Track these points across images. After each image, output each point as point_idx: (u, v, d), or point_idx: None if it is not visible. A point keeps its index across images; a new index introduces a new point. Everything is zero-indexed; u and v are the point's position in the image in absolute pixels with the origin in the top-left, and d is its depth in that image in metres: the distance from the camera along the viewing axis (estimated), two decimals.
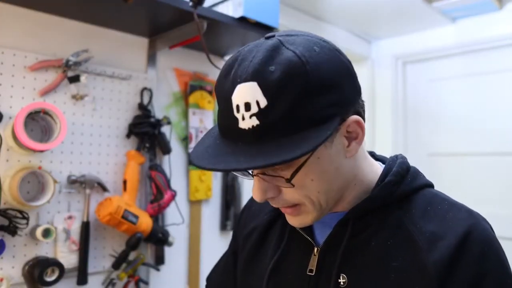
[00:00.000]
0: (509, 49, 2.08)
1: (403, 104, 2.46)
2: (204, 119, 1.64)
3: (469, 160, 2.20)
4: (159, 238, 1.39)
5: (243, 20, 1.35)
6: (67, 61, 1.24)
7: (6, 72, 1.16)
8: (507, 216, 2.04)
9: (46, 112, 1.16)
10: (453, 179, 2.22)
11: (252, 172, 0.63)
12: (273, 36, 0.60)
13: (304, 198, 0.62)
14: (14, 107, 1.17)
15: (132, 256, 1.38)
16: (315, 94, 0.56)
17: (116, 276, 1.35)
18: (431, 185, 0.70)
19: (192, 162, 0.60)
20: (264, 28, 1.39)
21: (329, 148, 0.60)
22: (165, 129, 1.49)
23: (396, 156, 0.72)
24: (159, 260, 1.49)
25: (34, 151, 1.16)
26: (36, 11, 1.23)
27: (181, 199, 1.58)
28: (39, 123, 1.20)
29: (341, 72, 0.60)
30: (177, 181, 1.56)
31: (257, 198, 0.62)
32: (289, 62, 0.56)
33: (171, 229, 1.48)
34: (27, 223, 1.14)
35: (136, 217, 1.30)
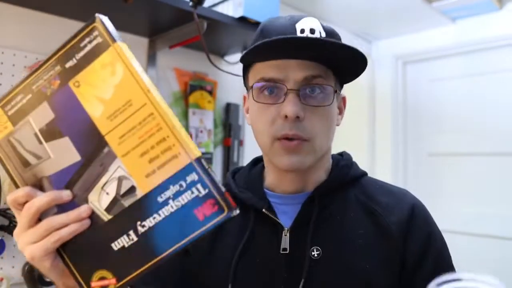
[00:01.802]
0: (509, 49, 2.08)
1: (403, 104, 2.45)
2: (204, 119, 1.64)
3: (469, 160, 2.19)
4: None
5: (243, 20, 1.35)
6: None
7: (6, 72, 1.16)
8: (507, 216, 2.04)
9: None
10: (453, 179, 2.22)
11: (299, 89, 0.69)
12: None
13: (318, 131, 0.70)
14: None
15: None
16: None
17: None
18: (367, 174, 0.83)
19: (278, 40, 0.66)
20: None
21: (334, 104, 0.73)
22: None
23: (341, 153, 0.85)
24: None
25: None
26: (36, 11, 1.23)
27: None
28: None
29: None
30: None
31: (291, 112, 0.67)
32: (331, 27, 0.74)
33: None
34: None
35: None
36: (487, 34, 2.11)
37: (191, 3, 1.19)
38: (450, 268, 0.74)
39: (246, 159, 1.76)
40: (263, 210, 0.75)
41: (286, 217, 0.75)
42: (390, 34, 2.38)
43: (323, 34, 0.71)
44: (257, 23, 1.37)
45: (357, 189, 0.77)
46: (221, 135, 1.74)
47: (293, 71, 0.69)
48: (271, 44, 0.66)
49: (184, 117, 1.61)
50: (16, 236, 0.54)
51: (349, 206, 0.75)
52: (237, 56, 1.65)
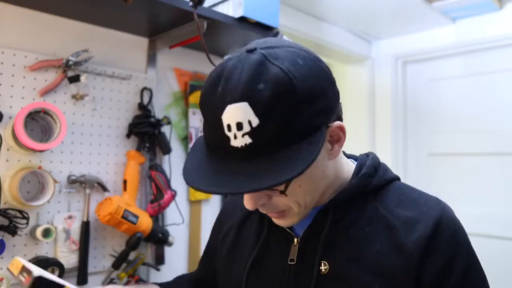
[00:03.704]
0: (509, 49, 2.08)
1: (403, 104, 2.45)
2: None
3: (469, 160, 2.19)
4: (159, 238, 1.39)
5: (243, 20, 1.35)
6: (67, 61, 1.24)
7: (6, 72, 1.16)
8: (507, 216, 2.04)
9: (46, 112, 1.16)
10: (453, 179, 2.22)
11: None
12: (255, 49, 0.60)
13: (292, 203, 0.65)
14: (14, 107, 1.17)
15: (132, 256, 1.38)
16: (303, 107, 0.58)
17: (116, 276, 1.35)
18: (399, 178, 0.78)
19: (187, 183, 0.61)
20: (264, 28, 1.39)
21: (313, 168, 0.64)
22: (165, 129, 1.49)
23: (367, 154, 0.78)
24: (159, 260, 1.49)
25: (34, 151, 1.16)
26: (36, 11, 1.23)
27: (181, 199, 1.58)
28: (39, 123, 1.20)
29: (324, 81, 0.62)
30: (177, 181, 1.56)
31: (250, 207, 0.64)
32: (277, 79, 0.57)
33: (171, 229, 1.48)
34: (27, 223, 1.14)
35: (136, 217, 1.30)
36: (487, 34, 2.11)
37: (191, 3, 1.19)
38: None
39: None
40: None
41: (299, 228, 0.73)
42: (390, 34, 2.38)
43: (255, 123, 0.56)
44: (257, 23, 1.37)
45: (379, 199, 0.71)
46: None
47: (241, 201, 0.67)
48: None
49: (184, 117, 1.61)
50: None
51: (366, 219, 0.69)
52: None
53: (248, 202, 0.64)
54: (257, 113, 0.56)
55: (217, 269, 0.87)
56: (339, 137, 0.66)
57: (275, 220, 0.70)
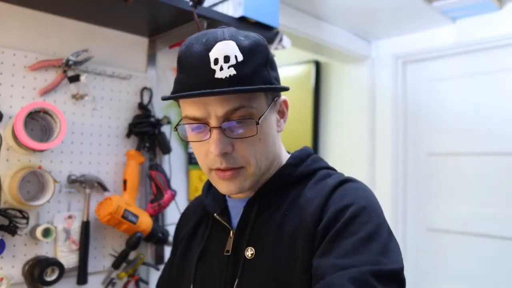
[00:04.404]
0: (509, 49, 2.08)
1: (403, 104, 2.45)
2: None
3: (469, 160, 2.19)
4: (159, 238, 1.39)
5: (243, 20, 1.35)
6: (67, 60, 1.24)
7: (6, 71, 1.16)
8: (507, 216, 2.04)
9: (46, 112, 1.16)
10: (453, 179, 2.22)
11: (221, 125, 0.69)
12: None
13: (251, 157, 0.71)
14: (14, 106, 1.17)
15: (132, 255, 1.38)
16: (270, 64, 0.73)
17: (116, 275, 1.35)
18: (330, 168, 0.82)
19: (176, 96, 0.68)
20: (264, 28, 1.39)
21: (270, 115, 0.73)
22: (165, 128, 1.49)
23: (301, 148, 0.85)
24: (159, 259, 1.49)
25: (34, 150, 1.16)
26: (36, 11, 1.23)
27: (181, 198, 1.58)
28: (39, 122, 1.20)
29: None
30: (177, 181, 1.56)
31: (216, 151, 0.68)
32: (254, 37, 0.72)
33: (171, 229, 1.48)
34: (27, 223, 1.14)
35: (136, 216, 1.30)
36: (487, 34, 2.10)
37: (191, 3, 1.19)
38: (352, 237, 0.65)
39: None
40: (215, 214, 0.82)
41: (236, 220, 0.80)
42: (390, 33, 2.38)
43: (240, 58, 0.67)
44: (257, 23, 1.37)
45: (301, 187, 0.77)
46: None
47: (213, 107, 0.68)
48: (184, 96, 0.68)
49: None
50: None
51: (287, 204, 0.75)
52: None
53: (216, 144, 0.68)
54: (241, 51, 0.68)
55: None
56: (284, 112, 0.79)
57: (227, 185, 0.73)
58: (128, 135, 1.41)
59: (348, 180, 0.75)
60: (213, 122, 0.69)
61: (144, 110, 1.42)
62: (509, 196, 2.05)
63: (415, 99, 2.43)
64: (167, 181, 1.44)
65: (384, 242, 0.64)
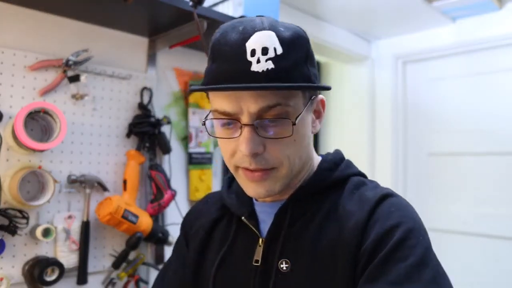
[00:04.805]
0: (509, 49, 2.08)
1: (403, 104, 2.45)
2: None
3: (469, 160, 2.19)
4: (159, 238, 1.39)
5: None
6: (67, 60, 1.24)
7: (6, 71, 1.16)
8: (507, 216, 2.04)
9: (46, 112, 1.16)
10: (453, 179, 2.22)
11: (254, 123, 0.63)
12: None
13: (284, 158, 0.65)
14: (14, 106, 1.17)
15: (132, 255, 1.38)
16: (310, 60, 0.67)
17: (116, 275, 1.35)
18: (362, 175, 0.77)
19: (208, 89, 0.63)
20: None
21: (306, 114, 0.67)
22: (165, 128, 1.49)
23: (334, 151, 0.80)
24: (159, 259, 1.49)
25: (34, 150, 1.16)
26: (36, 11, 1.23)
27: (181, 198, 1.58)
28: (39, 122, 1.20)
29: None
30: (177, 181, 1.56)
31: (247, 150, 0.62)
32: (294, 28, 0.66)
33: (171, 229, 1.48)
34: (27, 223, 1.14)
35: (136, 216, 1.30)
36: (487, 34, 2.10)
37: (191, 3, 1.19)
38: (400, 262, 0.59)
39: None
40: (243, 218, 0.74)
41: (265, 226, 0.73)
42: (390, 33, 2.38)
43: (279, 51, 0.61)
44: None
45: (337, 194, 0.71)
46: None
47: (246, 103, 0.62)
48: (216, 89, 0.63)
49: (184, 117, 1.61)
50: None
51: (322, 214, 0.69)
52: None
53: (247, 143, 0.62)
54: (281, 43, 0.62)
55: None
56: (320, 113, 0.73)
57: (256, 187, 0.67)
58: (128, 135, 1.41)
59: (389, 194, 0.68)
60: (245, 119, 0.63)
61: (144, 110, 1.42)
62: (509, 196, 2.05)
63: (415, 99, 2.43)
64: (167, 181, 1.44)
65: (435, 269, 0.60)
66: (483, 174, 2.14)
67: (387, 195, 0.68)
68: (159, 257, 1.49)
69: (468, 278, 2.12)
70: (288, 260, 0.67)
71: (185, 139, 1.61)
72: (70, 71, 1.26)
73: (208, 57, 0.69)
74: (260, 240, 0.71)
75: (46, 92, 1.22)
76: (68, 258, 1.25)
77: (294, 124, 0.63)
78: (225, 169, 1.73)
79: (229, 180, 0.85)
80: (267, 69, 0.60)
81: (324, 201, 0.71)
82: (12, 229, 1.11)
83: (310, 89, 0.67)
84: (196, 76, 1.65)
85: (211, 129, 0.69)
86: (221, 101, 0.64)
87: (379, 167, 2.42)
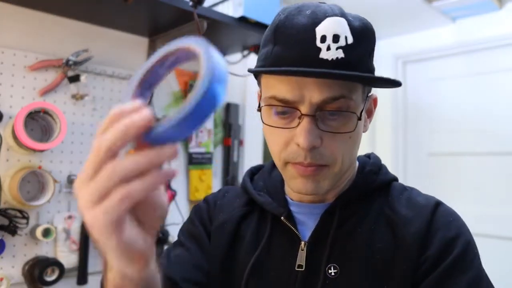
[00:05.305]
0: (509, 49, 2.08)
1: (403, 104, 2.45)
2: None
3: (469, 160, 2.19)
4: (159, 238, 1.39)
5: (243, 20, 1.35)
6: (67, 60, 1.24)
7: (6, 71, 1.16)
8: (507, 216, 2.04)
9: (46, 112, 1.16)
10: (453, 179, 2.22)
11: (315, 114, 0.59)
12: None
13: (339, 155, 0.61)
14: (14, 106, 1.17)
15: None
16: (373, 54, 0.65)
17: None
18: (397, 180, 0.75)
19: (273, 71, 0.59)
20: (264, 28, 1.39)
21: (358, 126, 0.63)
22: None
23: (368, 155, 0.77)
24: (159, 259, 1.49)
25: (34, 150, 1.16)
26: (36, 11, 1.23)
27: (181, 198, 1.58)
28: (39, 122, 1.20)
29: None
30: (177, 181, 1.56)
31: (306, 143, 0.58)
32: (363, 19, 0.63)
33: (171, 229, 1.48)
34: (27, 223, 1.14)
35: None
36: (487, 34, 2.10)
37: (191, 3, 1.19)
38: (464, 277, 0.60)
39: (246, 159, 1.76)
40: (282, 218, 0.68)
41: (304, 228, 0.68)
42: (390, 33, 2.38)
43: (350, 40, 0.58)
44: (257, 23, 1.37)
45: (383, 197, 0.68)
46: (221, 135, 1.74)
47: (309, 91, 0.58)
48: (282, 71, 0.57)
49: None
50: (76, 188, 0.38)
51: (370, 218, 0.66)
52: (237, 55, 1.65)
53: (306, 135, 0.58)
54: (352, 33, 0.59)
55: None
56: (371, 111, 0.70)
57: (304, 184, 0.62)
58: None
59: (440, 202, 0.69)
60: (305, 109, 0.58)
61: None
62: (509, 196, 2.05)
63: (415, 99, 2.43)
64: (167, 181, 1.44)
65: (487, 280, 0.63)
66: (483, 174, 2.14)
67: (439, 202, 0.69)
68: (159, 257, 1.49)
69: None
70: (336, 265, 0.64)
71: (185, 139, 1.61)
72: (70, 71, 1.26)
73: (265, 39, 0.64)
74: (303, 243, 0.66)
75: (46, 92, 1.22)
76: (68, 258, 1.25)
77: (359, 119, 0.61)
78: (226, 169, 1.73)
79: (252, 171, 0.80)
80: (337, 58, 0.57)
81: (371, 205, 0.67)
82: (12, 229, 1.11)
83: (388, 84, 0.62)
84: (196, 76, 1.65)
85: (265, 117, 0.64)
86: (281, 87, 0.59)
87: None
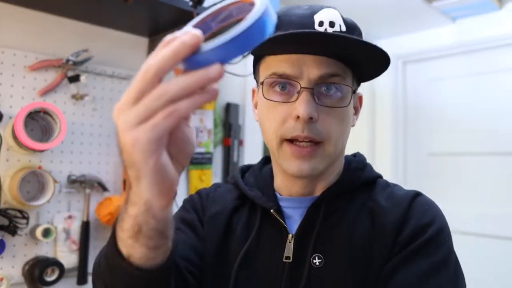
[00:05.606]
0: (509, 49, 2.08)
1: (403, 104, 2.45)
2: (204, 119, 1.64)
3: (469, 160, 2.19)
4: None
5: None
6: (67, 60, 1.24)
7: (6, 71, 1.16)
8: (507, 216, 2.04)
9: (46, 112, 1.16)
10: (453, 179, 2.22)
11: (313, 87, 0.64)
12: None
13: (332, 132, 0.66)
14: (14, 106, 1.17)
15: None
16: None
17: None
18: (382, 177, 0.78)
19: (276, 36, 0.60)
20: None
21: (351, 104, 0.68)
22: None
23: (354, 154, 0.80)
24: None
25: (34, 150, 1.16)
26: (36, 11, 1.23)
27: (181, 198, 1.57)
28: (39, 122, 1.20)
29: None
30: None
31: (304, 112, 0.62)
32: (352, 19, 0.70)
33: None
34: (27, 223, 1.14)
35: None
36: (487, 34, 2.11)
37: (191, 3, 1.19)
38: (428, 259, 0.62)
39: (246, 159, 1.76)
40: (271, 211, 0.71)
41: (292, 221, 0.71)
42: (390, 33, 2.38)
43: (343, 28, 0.65)
44: None
45: (367, 193, 0.72)
46: (221, 135, 1.74)
47: (308, 68, 0.63)
48: (286, 38, 0.60)
49: None
50: (117, 112, 0.40)
51: (354, 211, 0.70)
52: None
53: (305, 106, 0.62)
54: (345, 24, 0.66)
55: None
56: (357, 108, 0.75)
57: (297, 164, 0.66)
58: None
59: (419, 193, 0.72)
60: (304, 83, 0.63)
61: None
62: (509, 196, 2.05)
63: (415, 99, 2.43)
64: None
65: (454, 268, 0.65)
66: (483, 174, 2.14)
67: (418, 194, 0.71)
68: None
69: (468, 278, 2.12)
70: (320, 255, 0.67)
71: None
72: (70, 71, 1.26)
73: None
74: (290, 236, 0.69)
75: (46, 92, 1.22)
76: (68, 258, 1.25)
77: (354, 92, 0.67)
78: (226, 169, 1.73)
79: (240, 172, 0.83)
80: (335, 33, 0.63)
81: (355, 199, 0.71)
82: (12, 229, 1.12)
83: (385, 59, 0.65)
84: None
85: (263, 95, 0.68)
86: (281, 64, 0.65)
87: (379, 167, 2.41)
